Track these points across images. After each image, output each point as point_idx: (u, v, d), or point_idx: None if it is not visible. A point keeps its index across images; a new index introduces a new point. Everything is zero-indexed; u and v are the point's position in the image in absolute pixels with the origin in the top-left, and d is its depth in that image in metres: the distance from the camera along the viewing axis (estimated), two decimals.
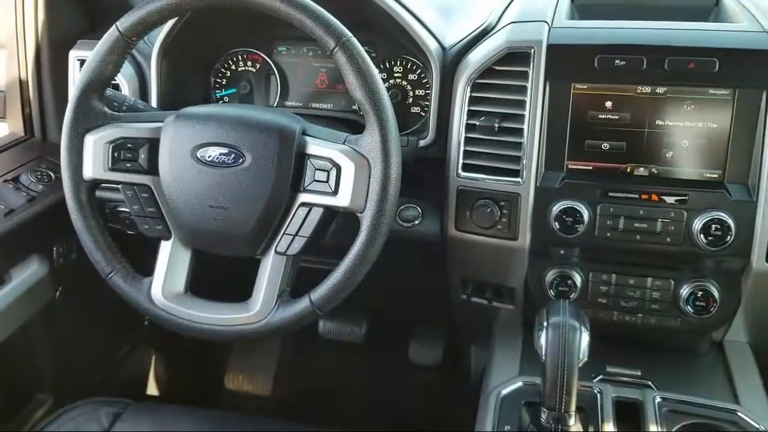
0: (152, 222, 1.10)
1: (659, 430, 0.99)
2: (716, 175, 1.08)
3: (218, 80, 1.48)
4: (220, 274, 1.32)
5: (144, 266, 1.13)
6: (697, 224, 1.07)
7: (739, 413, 1.03)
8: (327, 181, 1.01)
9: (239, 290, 1.10)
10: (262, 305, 1.05)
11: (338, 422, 1.65)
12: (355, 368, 1.96)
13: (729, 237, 1.06)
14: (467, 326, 1.49)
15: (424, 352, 1.88)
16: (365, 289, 1.12)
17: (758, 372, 1.15)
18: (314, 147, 1.02)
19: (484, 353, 1.29)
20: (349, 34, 0.99)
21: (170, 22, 1.30)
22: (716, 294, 1.12)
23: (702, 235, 1.07)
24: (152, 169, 1.08)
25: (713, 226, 1.06)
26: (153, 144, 1.08)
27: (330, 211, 1.03)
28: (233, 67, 1.47)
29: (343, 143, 1.02)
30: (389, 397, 1.91)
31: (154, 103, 1.37)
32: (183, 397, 1.81)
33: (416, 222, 1.27)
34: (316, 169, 1.01)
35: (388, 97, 1.00)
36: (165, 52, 1.35)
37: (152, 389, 1.86)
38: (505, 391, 1.09)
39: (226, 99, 1.48)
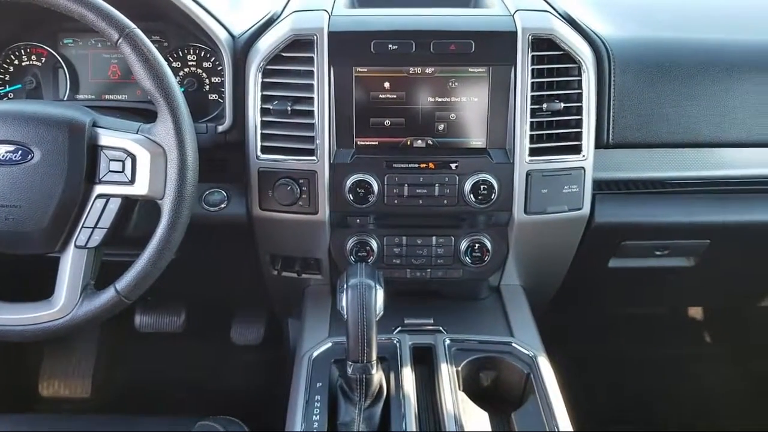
0: None
1: (449, 367, 1.14)
2: (480, 143, 1.24)
3: (0, 76, 1.41)
4: (19, 275, 1.27)
5: None
6: (467, 186, 1.22)
7: (513, 344, 1.20)
8: (123, 171, 1.03)
9: (41, 289, 1.09)
10: (65, 300, 1.04)
11: (165, 412, 1.66)
12: (177, 358, 1.96)
13: (493, 195, 1.22)
14: (282, 300, 1.57)
15: (245, 333, 1.94)
16: (181, 277, 1.15)
17: (529, 309, 1.35)
18: (106, 138, 1.04)
19: (300, 323, 1.38)
20: (132, 25, 1.01)
21: None
22: (489, 245, 1.29)
23: (472, 195, 1.22)
24: None
25: (481, 187, 1.22)
26: None
27: (129, 201, 1.05)
28: (16, 62, 1.40)
29: (136, 132, 1.04)
30: (214, 380, 1.94)
31: None
32: None
33: (222, 206, 1.32)
34: (110, 160, 1.03)
35: (177, 84, 1.03)
36: None
37: None
38: (316, 353, 1.18)
39: (11, 96, 1.41)
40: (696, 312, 2.13)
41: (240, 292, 1.78)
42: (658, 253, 1.43)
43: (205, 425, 1.20)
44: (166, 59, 1.34)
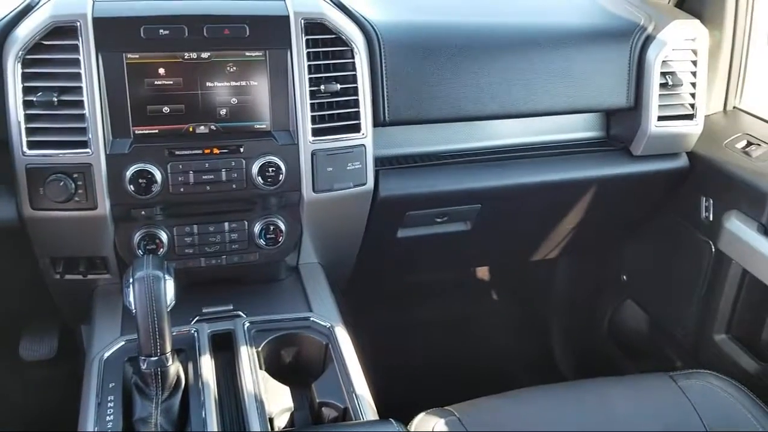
0: None
1: (249, 349, 1.15)
2: (264, 126, 1.26)
3: None
4: None
5: None
6: (254, 169, 1.23)
7: (312, 318, 1.24)
8: None
9: None
10: None
11: None
12: None
13: (281, 176, 1.25)
14: (71, 306, 1.47)
15: (36, 348, 1.78)
16: None
17: (327, 283, 1.40)
18: None
19: (90, 327, 1.31)
20: None
21: None
22: (282, 226, 1.32)
23: (260, 178, 1.24)
24: None
25: (269, 169, 1.24)
26: None
27: None
28: None
29: None
30: (2, 403, 1.77)
31: None
32: None
33: None
34: None
35: None
36: None
37: None
38: (107, 354, 1.13)
39: None
40: (483, 273, 2.33)
41: (23, 303, 1.64)
42: (438, 220, 1.55)
43: None
44: None
